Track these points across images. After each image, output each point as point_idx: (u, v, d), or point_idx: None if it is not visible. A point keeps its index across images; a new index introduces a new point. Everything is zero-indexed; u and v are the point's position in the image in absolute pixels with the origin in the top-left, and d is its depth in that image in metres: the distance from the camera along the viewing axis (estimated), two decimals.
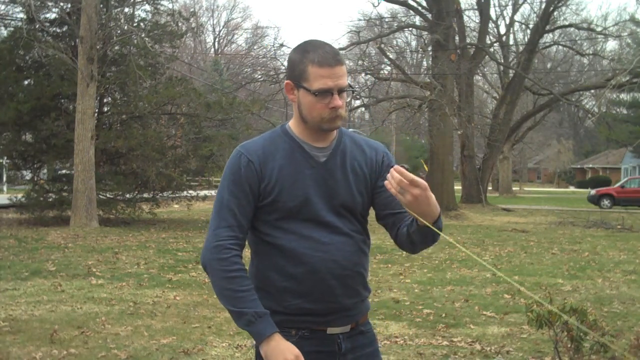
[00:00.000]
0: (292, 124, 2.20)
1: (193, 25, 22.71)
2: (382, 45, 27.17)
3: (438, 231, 2.01)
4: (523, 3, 33.48)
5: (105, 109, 19.28)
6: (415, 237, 2.11)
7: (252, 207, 2.11)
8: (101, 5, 16.54)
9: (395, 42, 42.12)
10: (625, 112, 51.77)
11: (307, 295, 2.09)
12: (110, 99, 19.61)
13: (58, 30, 18.54)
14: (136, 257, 11.15)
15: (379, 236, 15.01)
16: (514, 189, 48.68)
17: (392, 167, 1.99)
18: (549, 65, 41.59)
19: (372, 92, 25.60)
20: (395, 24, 31.44)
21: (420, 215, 1.96)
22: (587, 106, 41.45)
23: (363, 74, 27.18)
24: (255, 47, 60.40)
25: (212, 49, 61.81)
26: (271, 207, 2.10)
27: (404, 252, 12.26)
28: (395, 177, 1.91)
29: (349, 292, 2.14)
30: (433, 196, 1.96)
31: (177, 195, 19.30)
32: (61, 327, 6.13)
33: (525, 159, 60.64)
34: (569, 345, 4.36)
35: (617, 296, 8.14)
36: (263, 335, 2.01)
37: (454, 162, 30.52)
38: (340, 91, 2.09)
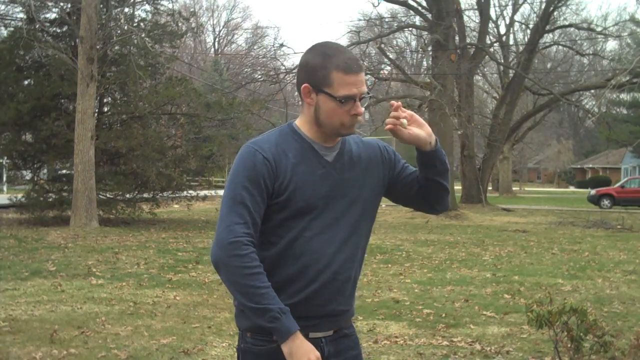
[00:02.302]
0: (301, 124, 2.16)
1: (193, 25, 22.72)
2: (382, 45, 27.20)
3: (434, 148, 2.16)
4: (523, 3, 33.49)
5: (105, 109, 19.29)
6: (428, 172, 2.20)
7: (265, 205, 2.07)
8: (101, 5, 16.54)
9: (395, 42, 42.16)
10: (625, 112, 51.78)
11: (294, 297, 2.07)
12: (110, 99, 19.61)
13: (58, 30, 18.55)
14: (136, 257, 11.15)
15: (378, 236, 15.03)
16: (514, 189, 48.66)
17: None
18: (549, 65, 41.59)
19: (372, 92, 25.58)
20: (395, 24, 31.48)
21: (428, 138, 2.14)
22: (587, 106, 41.45)
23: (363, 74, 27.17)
24: (255, 47, 60.48)
25: (212, 49, 61.84)
26: (282, 206, 2.08)
27: (404, 252, 12.32)
28: (406, 113, 2.11)
29: (337, 298, 2.14)
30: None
31: (177, 195, 19.28)
32: (61, 327, 6.13)
33: (525, 159, 60.62)
34: (569, 345, 4.36)
35: (617, 296, 8.14)
36: (290, 332, 1.98)
37: (454, 162, 30.53)
38: (361, 98, 2.09)
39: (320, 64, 2.07)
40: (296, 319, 2.05)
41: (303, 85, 2.10)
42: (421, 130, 2.13)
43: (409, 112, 2.12)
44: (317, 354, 2.00)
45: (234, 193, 2.05)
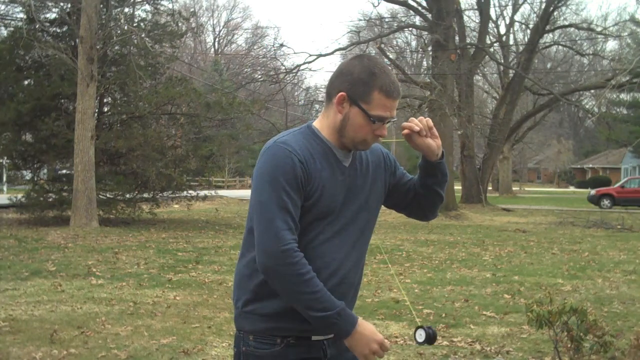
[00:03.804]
0: (321, 127, 2.16)
1: (193, 25, 22.73)
2: (382, 45, 27.21)
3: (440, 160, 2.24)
4: (523, 3, 33.51)
5: (105, 109, 19.28)
6: (428, 181, 2.26)
7: (300, 208, 2.07)
8: (101, 5, 16.53)
9: (395, 42, 42.16)
10: (625, 112, 51.76)
11: None
12: (110, 99, 19.60)
13: (58, 30, 18.54)
14: (136, 257, 11.15)
15: (378, 236, 15.02)
16: (514, 189, 48.66)
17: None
18: (549, 65, 41.61)
19: None
20: (395, 24, 31.46)
21: (437, 150, 2.22)
22: (587, 106, 41.46)
23: None
24: (255, 47, 60.49)
25: (212, 49, 61.84)
26: (306, 209, 2.07)
27: (404, 252, 12.31)
28: (427, 124, 2.17)
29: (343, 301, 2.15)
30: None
31: (177, 195, 19.28)
32: (61, 327, 6.13)
33: (525, 159, 60.66)
34: (569, 345, 4.36)
35: (617, 296, 8.14)
36: (348, 332, 2.03)
37: (454, 162, 30.53)
38: (388, 121, 2.13)
39: (366, 80, 2.07)
40: (301, 321, 2.07)
41: (340, 93, 2.09)
42: (433, 142, 2.19)
43: (430, 124, 2.18)
44: (379, 337, 2.05)
45: (277, 198, 2.02)
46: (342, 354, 2.20)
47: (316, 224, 2.09)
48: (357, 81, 2.08)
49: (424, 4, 26.30)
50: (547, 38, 34.49)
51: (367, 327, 2.05)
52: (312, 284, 1.99)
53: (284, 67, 26.70)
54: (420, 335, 2.19)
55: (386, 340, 2.08)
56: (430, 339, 2.18)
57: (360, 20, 42.60)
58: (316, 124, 2.17)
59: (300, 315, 2.07)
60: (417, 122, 2.16)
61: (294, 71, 25.91)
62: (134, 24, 18.07)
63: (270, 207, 2.01)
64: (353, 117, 2.09)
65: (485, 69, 38.66)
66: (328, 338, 2.16)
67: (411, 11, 28.85)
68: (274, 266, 1.99)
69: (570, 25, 31.83)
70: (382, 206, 2.35)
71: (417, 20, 29.79)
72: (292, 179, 2.02)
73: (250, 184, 2.22)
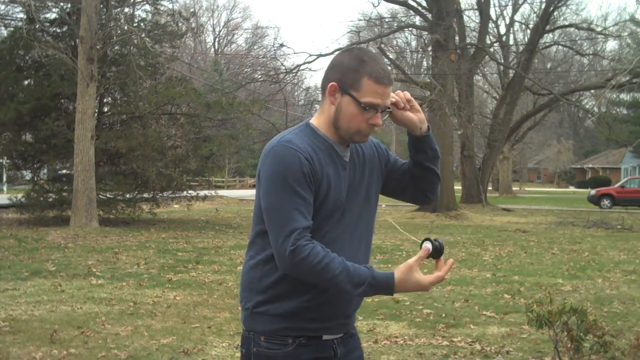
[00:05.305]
0: (319, 124, 2.15)
1: (193, 25, 22.73)
2: (382, 45, 27.21)
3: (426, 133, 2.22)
4: (523, 3, 33.51)
5: (105, 109, 19.30)
6: (419, 158, 2.24)
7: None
8: (101, 5, 16.54)
9: (395, 42, 42.17)
10: (625, 112, 51.81)
11: (317, 299, 2.08)
12: (110, 99, 19.62)
13: (58, 30, 18.56)
14: (136, 257, 11.15)
15: (379, 236, 15.02)
16: (514, 189, 48.68)
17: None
18: (549, 65, 41.61)
19: None
20: (395, 24, 31.47)
21: (419, 123, 2.20)
22: (587, 106, 41.48)
23: None
24: (255, 47, 60.51)
25: (212, 49, 61.86)
26: (315, 209, 2.06)
27: (404, 252, 12.30)
28: (405, 96, 2.16)
29: (352, 299, 2.16)
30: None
31: (177, 195, 19.29)
32: (61, 327, 6.13)
33: (525, 159, 60.68)
34: (569, 345, 4.35)
35: (617, 296, 8.14)
36: (391, 292, 2.01)
37: (454, 162, 30.54)
38: (382, 110, 2.10)
39: (354, 67, 2.08)
40: (313, 321, 2.08)
41: (330, 84, 2.10)
42: (414, 115, 2.18)
43: (409, 96, 2.17)
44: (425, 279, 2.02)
45: (288, 200, 2.00)
46: (350, 353, 2.22)
47: (324, 222, 2.07)
48: (346, 70, 2.08)
49: (424, 4, 26.30)
50: (547, 38, 34.52)
51: (402, 275, 2.01)
52: (330, 269, 1.96)
53: (284, 67, 26.73)
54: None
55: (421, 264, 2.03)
56: (437, 251, 2.06)
57: (360, 20, 42.62)
58: (313, 121, 2.17)
59: (312, 314, 2.08)
60: (394, 95, 2.14)
61: (294, 71, 25.92)
62: (134, 24, 18.07)
63: (281, 210, 2.00)
64: (345, 106, 2.09)
65: (485, 69, 38.66)
66: (338, 337, 2.17)
67: (411, 11, 28.86)
68: (290, 267, 1.99)
69: (570, 25, 31.83)
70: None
71: (417, 20, 29.81)
72: (300, 177, 2.01)
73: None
